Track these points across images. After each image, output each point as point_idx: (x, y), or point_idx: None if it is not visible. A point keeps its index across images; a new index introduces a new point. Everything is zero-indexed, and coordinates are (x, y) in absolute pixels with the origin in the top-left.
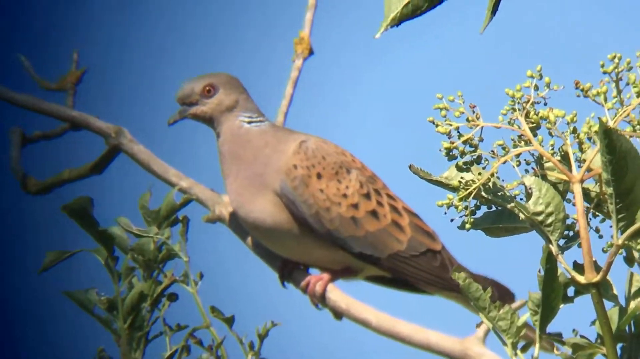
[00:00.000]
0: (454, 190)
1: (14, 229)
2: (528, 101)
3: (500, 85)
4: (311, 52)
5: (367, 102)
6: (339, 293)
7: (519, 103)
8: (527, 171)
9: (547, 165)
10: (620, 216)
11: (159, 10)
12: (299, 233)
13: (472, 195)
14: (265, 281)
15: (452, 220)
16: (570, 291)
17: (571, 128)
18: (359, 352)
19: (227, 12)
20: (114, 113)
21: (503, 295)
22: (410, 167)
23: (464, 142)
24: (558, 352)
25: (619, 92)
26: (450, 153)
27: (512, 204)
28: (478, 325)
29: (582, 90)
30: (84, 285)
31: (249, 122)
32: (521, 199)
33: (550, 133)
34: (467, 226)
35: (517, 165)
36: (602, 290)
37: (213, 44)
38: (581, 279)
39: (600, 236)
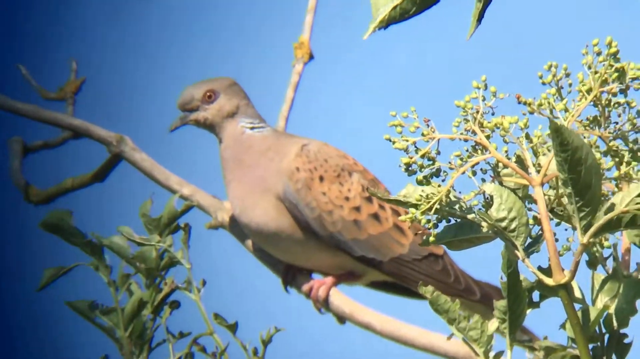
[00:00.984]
0: (415, 204)
1: (16, 239)
2: (478, 111)
3: (450, 97)
4: (311, 57)
5: (367, 105)
6: (342, 297)
7: (470, 114)
8: (483, 180)
9: (503, 172)
10: (582, 214)
11: (158, 17)
12: (302, 237)
13: (434, 209)
14: (268, 286)
15: (416, 234)
16: (536, 296)
17: (524, 134)
18: (363, 356)
19: (226, 17)
20: (114, 122)
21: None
22: (367, 189)
23: (422, 156)
24: (530, 356)
25: (562, 99)
26: (410, 168)
27: (473, 214)
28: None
29: (525, 104)
30: (87, 294)
31: (251, 128)
32: (480, 209)
33: (504, 141)
34: (431, 239)
35: (473, 175)
36: (570, 291)
37: (213, 49)
38: (550, 281)
39: (556, 239)
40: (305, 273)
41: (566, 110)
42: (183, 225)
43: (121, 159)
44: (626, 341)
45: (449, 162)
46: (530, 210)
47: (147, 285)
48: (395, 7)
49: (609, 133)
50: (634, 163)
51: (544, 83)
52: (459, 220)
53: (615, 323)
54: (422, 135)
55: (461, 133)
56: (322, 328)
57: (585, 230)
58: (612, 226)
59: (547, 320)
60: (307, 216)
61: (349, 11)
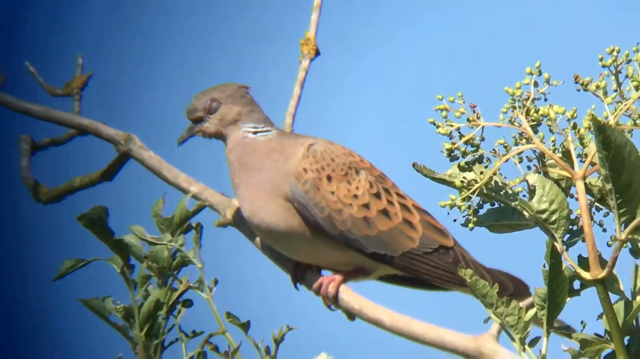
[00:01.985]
0: (457, 188)
1: (27, 238)
2: (528, 98)
3: (499, 84)
4: (317, 53)
5: (374, 101)
6: (351, 294)
7: (519, 101)
8: (529, 168)
9: (549, 162)
10: (621, 210)
11: (165, 14)
12: (312, 236)
13: (475, 194)
14: (278, 284)
15: (455, 220)
16: (576, 284)
17: (572, 124)
18: (374, 352)
19: (233, 15)
20: (121, 119)
21: (518, 288)
22: (413, 165)
23: (466, 143)
24: (566, 348)
25: (619, 85)
26: (452, 154)
27: (516, 202)
28: (486, 320)
29: (582, 84)
30: (99, 292)
31: (254, 133)
32: (524, 196)
33: (551, 130)
34: (471, 225)
35: (519, 162)
36: (607, 284)
37: (220, 47)
38: (587, 275)
39: (604, 230)
40: (315, 270)
41: (622, 96)
42: (195, 225)
43: (129, 157)
44: None
45: (493, 150)
46: (576, 199)
47: (159, 285)
48: None
49: None
50: None
51: (603, 66)
52: (501, 205)
53: None
54: (468, 121)
55: (509, 120)
56: (333, 324)
57: (624, 226)
58: None
59: (587, 307)
60: (317, 216)
61: (355, 7)
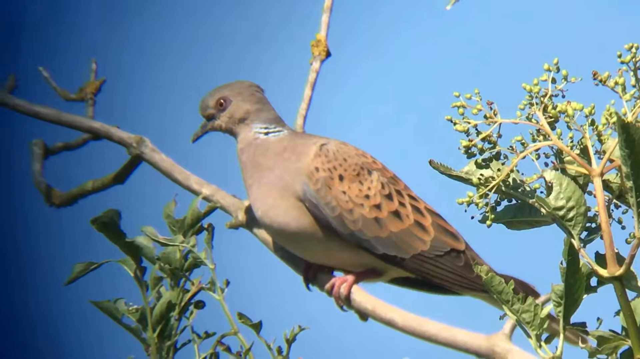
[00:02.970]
0: (474, 185)
1: (40, 241)
2: (546, 95)
3: (517, 80)
4: (328, 54)
5: (385, 102)
6: (364, 294)
7: (536, 97)
8: (546, 164)
9: (566, 158)
10: None
11: (177, 18)
12: (323, 236)
13: (493, 191)
14: (290, 285)
15: (472, 217)
16: (593, 281)
17: (589, 120)
18: (386, 353)
19: (244, 17)
20: (133, 122)
21: (527, 293)
22: (430, 162)
23: (483, 140)
24: (583, 345)
25: (638, 81)
26: (469, 151)
27: (533, 199)
28: (501, 317)
29: (600, 80)
30: (110, 295)
31: (266, 133)
32: (541, 192)
33: (568, 127)
34: (488, 222)
35: (537, 159)
36: (625, 281)
37: (231, 49)
38: (604, 272)
39: (623, 227)
40: (327, 270)
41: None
42: (207, 226)
43: (141, 160)
44: None
45: (510, 147)
46: (594, 196)
47: (172, 286)
48: None
49: None
50: None
51: (622, 62)
52: (519, 202)
53: None
54: (485, 118)
55: (527, 117)
56: (345, 325)
57: None
58: None
59: (604, 305)
60: (328, 216)
61: (365, 9)
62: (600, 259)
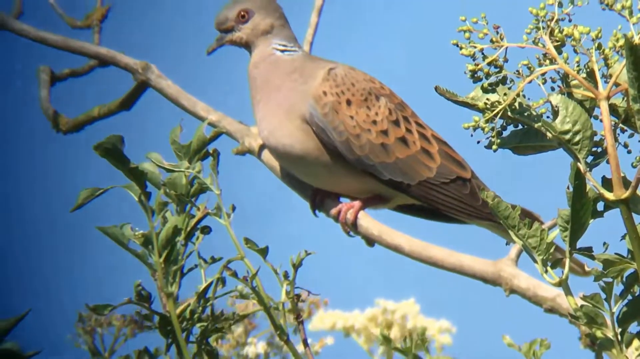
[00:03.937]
0: (480, 110)
1: (47, 168)
2: (552, 19)
3: (523, 4)
4: None
5: (393, 27)
6: (370, 220)
7: (543, 21)
8: (553, 89)
9: (573, 82)
10: None
11: None
12: (329, 161)
13: (499, 116)
14: (297, 210)
15: (478, 142)
16: (600, 205)
17: (596, 44)
18: (392, 279)
19: None
20: (139, 49)
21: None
22: (436, 88)
23: (489, 64)
24: (588, 268)
25: None
26: (475, 75)
27: (539, 123)
28: (507, 243)
29: (607, 4)
30: (116, 221)
31: (282, 51)
32: (548, 117)
33: (575, 51)
34: (494, 146)
35: (543, 84)
36: (631, 204)
37: None
38: (610, 196)
39: (629, 151)
40: (334, 197)
41: None
42: (212, 151)
43: (147, 86)
44: None
45: (517, 71)
46: (600, 121)
47: (177, 211)
48: None
49: None
50: None
51: None
52: (525, 127)
53: None
54: (491, 42)
55: (533, 41)
56: (352, 250)
57: None
58: None
59: (610, 231)
60: (335, 140)
61: None
62: (607, 183)
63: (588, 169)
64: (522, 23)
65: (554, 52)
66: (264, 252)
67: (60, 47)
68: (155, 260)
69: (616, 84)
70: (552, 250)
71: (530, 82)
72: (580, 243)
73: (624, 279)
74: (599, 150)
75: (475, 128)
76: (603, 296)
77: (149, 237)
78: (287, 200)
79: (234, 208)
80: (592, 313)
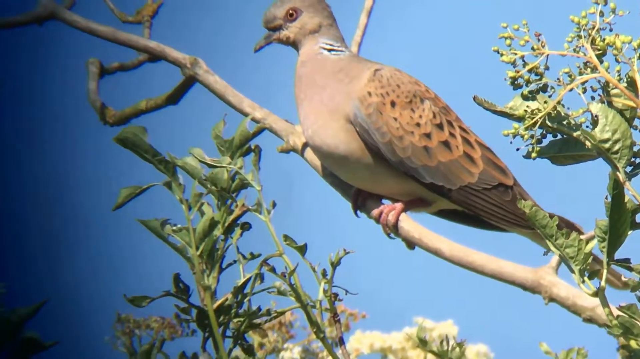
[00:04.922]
0: (519, 119)
1: (93, 159)
2: (594, 27)
3: (564, 12)
4: None
5: (441, 33)
6: (411, 223)
7: (584, 30)
8: (593, 98)
9: (613, 92)
10: None
11: None
12: (371, 162)
13: (538, 124)
14: (338, 210)
15: (517, 149)
16: (639, 217)
17: (638, 54)
18: (431, 281)
19: None
20: (189, 45)
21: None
22: (474, 98)
23: (530, 71)
24: (625, 278)
25: None
26: (516, 82)
27: (578, 132)
28: (545, 253)
29: None
30: (160, 214)
31: (329, 50)
32: (587, 126)
33: (616, 60)
34: (533, 154)
35: (583, 92)
36: None
37: None
38: None
39: None
40: (376, 198)
41: None
42: (254, 147)
43: (195, 82)
44: None
45: (557, 79)
46: None
47: (218, 206)
48: None
49: None
50: None
51: None
52: (564, 136)
53: None
54: (532, 49)
55: (574, 49)
56: (391, 252)
57: None
58: None
59: None
60: (378, 141)
61: None
62: None
63: (627, 179)
64: (563, 31)
65: (595, 60)
66: (302, 249)
67: (110, 39)
68: (193, 252)
69: None
70: (589, 261)
71: (570, 90)
72: (618, 254)
73: None
74: (638, 160)
75: (514, 136)
76: None
77: (186, 230)
78: (329, 199)
79: (274, 205)
80: (628, 323)
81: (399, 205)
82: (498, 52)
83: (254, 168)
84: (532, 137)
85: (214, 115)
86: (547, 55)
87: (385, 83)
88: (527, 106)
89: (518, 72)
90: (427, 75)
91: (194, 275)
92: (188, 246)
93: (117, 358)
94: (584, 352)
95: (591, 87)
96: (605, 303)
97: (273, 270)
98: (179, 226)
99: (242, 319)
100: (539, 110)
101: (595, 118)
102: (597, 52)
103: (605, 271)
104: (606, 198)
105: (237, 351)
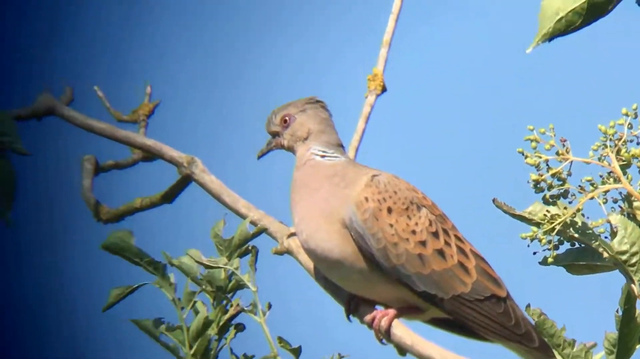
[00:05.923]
0: (537, 225)
1: (86, 256)
2: (620, 138)
3: (592, 121)
4: (384, 89)
5: (438, 140)
6: (404, 329)
7: (610, 140)
8: (613, 209)
9: (635, 204)
10: None
11: (232, 43)
12: (365, 267)
13: (557, 230)
14: (331, 313)
15: (534, 253)
16: None
17: None
18: None
19: (301, 47)
20: (184, 142)
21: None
22: (494, 200)
23: (553, 175)
24: None
25: None
26: (538, 185)
27: (597, 242)
28: None
29: None
30: (152, 313)
31: (322, 156)
32: (606, 237)
33: None
34: (550, 260)
35: (604, 203)
36: None
37: (286, 77)
38: None
39: None
40: (369, 303)
41: None
42: (251, 248)
43: (191, 181)
44: None
45: (579, 186)
46: None
47: (213, 306)
48: (560, 20)
49: None
50: None
51: None
52: (582, 245)
53: None
54: (557, 154)
55: (599, 158)
56: (384, 358)
57: None
58: None
59: None
60: (372, 247)
61: (423, 45)
62: None
63: None
64: (588, 138)
65: (619, 171)
66: (297, 352)
67: (107, 136)
68: (186, 351)
69: None
70: None
71: (592, 198)
72: None
73: None
74: None
75: (532, 239)
76: None
77: (179, 329)
78: (322, 303)
79: (269, 306)
80: None
81: (391, 311)
82: (523, 154)
83: (251, 269)
84: (549, 242)
85: (209, 214)
86: (571, 162)
87: (383, 189)
88: (547, 210)
89: (541, 175)
90: (425, 183)
91: None
92: (181, 345)
93: None
94: None
95: (612, 198)
96: None
97: None
98: (172, 325)
99: None
100: (559, 216)
101: (615, 229)
102: (622, 163)
103: None
104: (617, 311)
105: None
